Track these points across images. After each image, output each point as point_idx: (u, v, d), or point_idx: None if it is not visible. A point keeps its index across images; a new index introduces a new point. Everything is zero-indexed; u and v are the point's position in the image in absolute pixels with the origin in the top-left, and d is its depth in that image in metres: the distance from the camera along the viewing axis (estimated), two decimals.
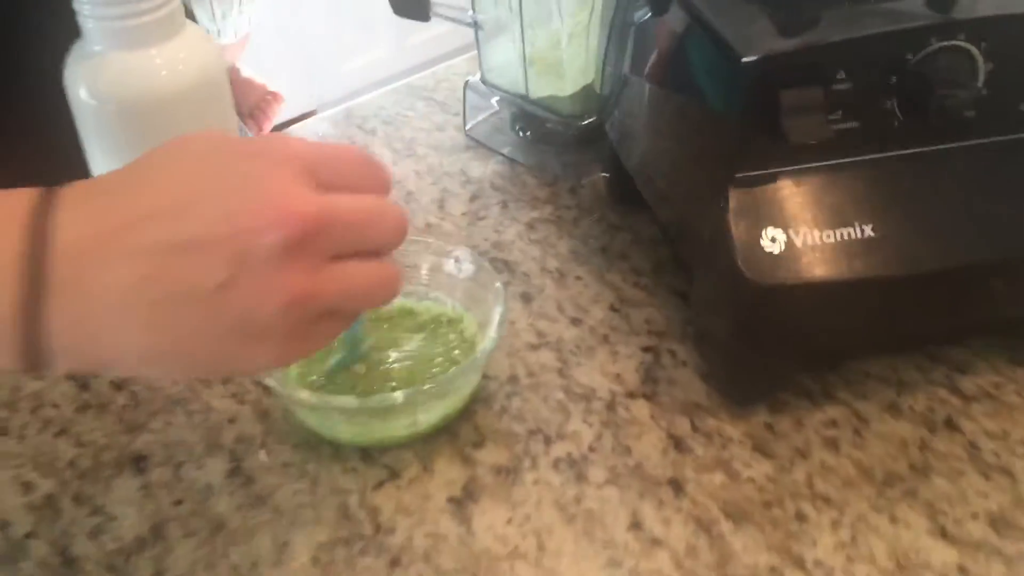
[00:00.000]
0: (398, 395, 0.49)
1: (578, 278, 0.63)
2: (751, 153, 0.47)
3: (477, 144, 0.76)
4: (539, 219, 0.68)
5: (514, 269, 0.64)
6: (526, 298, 0.62)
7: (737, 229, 0.48)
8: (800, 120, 0.45)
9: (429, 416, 0.52)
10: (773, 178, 0.48)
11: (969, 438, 0.51)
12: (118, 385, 0.58)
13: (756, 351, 0.51)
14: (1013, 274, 0.50)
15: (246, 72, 1.17)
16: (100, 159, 0.53)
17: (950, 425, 0.52)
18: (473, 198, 0.71)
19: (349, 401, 0.50)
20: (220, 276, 0.34)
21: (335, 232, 0.36)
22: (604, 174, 0.70)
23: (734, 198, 0.48)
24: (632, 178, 0.63)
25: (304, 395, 0.50)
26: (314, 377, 0.54)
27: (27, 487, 0.52)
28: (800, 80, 0.45)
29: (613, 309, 0.61)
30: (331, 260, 0.37)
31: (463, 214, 0.69)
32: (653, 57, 0.57)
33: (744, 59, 0.45)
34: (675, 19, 0.52)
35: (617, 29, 0.62)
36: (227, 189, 0.35)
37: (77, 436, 0.55)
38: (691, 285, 0.61)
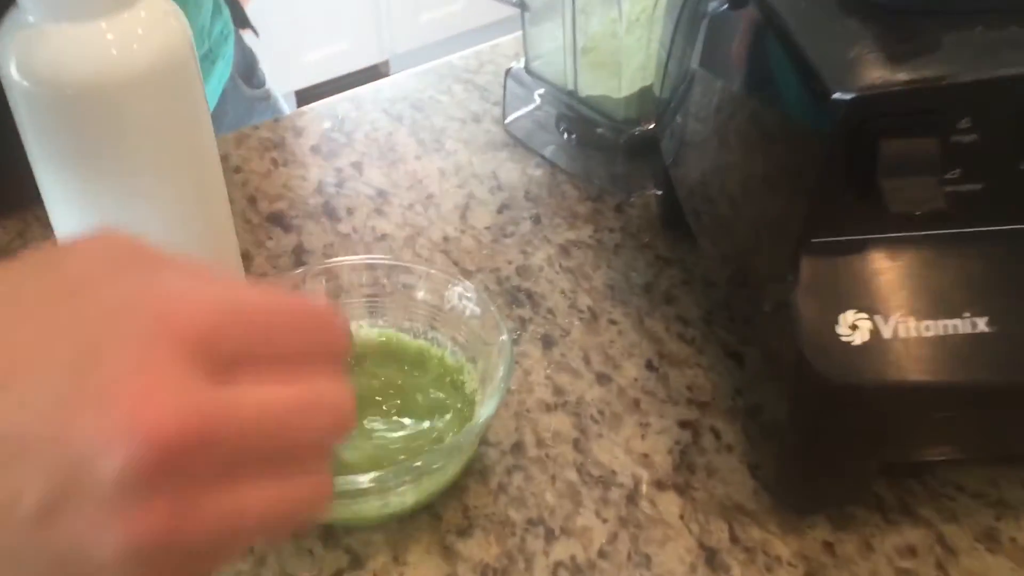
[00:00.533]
0: (365, 478, 0.40)
1: (612, 322, 0.53)
2: (835, 213, 0.36)
3: (516, 143, 0.66)
4: (575, 242, 0.58)
5: (538, 304, 0.54)
6: (547, 342, 0.52)
7: (807, 308, 0.37)
8: (904, 179, 0.34)
9: (405, 498, 0.43)
10: (860, 247, 0.37)
11: None
12: None
13: (823, 453, 0.40)
14: None
15: None
16: (38, 153, 0.44)
17: None
18: (502, 208, 0.61)
19: None
20: (38, 493, 0.23)
21: (225, 446, 0.24)
22: (657, 192, 0.59)
23: (807, 268, 0.37)
24: None
25: None
26: None
27: None
28: (909, 127, 0.34)
29: (650, 367, 0.50)
30: (216, 481, 0.25)
31: (487, 227, 0.59)
32: (723, 64, 0.46)
33: (836, 95, 0.33)
34: (754, 23, 0.41)
35: (686, 20, 0.51)
36: (63, 364, 0.23)
37: None
38: (748, 344, 0.50)
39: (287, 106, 0.85)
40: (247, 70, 0.80)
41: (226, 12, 0.74)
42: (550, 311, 0.54)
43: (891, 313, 0.36)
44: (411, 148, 0.66)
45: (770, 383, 0.41)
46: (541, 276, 0.56)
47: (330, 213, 0.61)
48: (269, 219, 0.60)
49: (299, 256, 0.58)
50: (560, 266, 0.56)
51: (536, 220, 0.60)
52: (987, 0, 0.36)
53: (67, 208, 0.47)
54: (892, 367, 0.36)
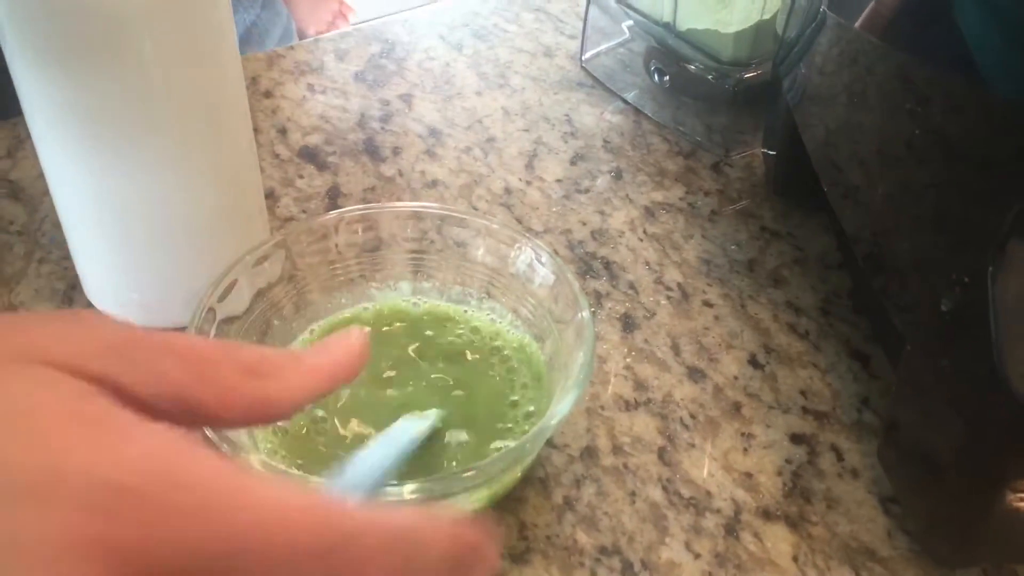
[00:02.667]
0: (406, 489, 0.31)
1: (707, 304, 0.43)
2: None
3: (594, 83, 0.56)
4: (663, 204, 0.48)
5: (617, 276, 0.45)
6: (628, 324, 0.43)
7: (1011, 310, 0.27)
8: None
9: (454, 509, 0.34)
10: None
11: None
12: None
13: (995, 497, 0.31)
14: None
15: None
16: (21, 63, 0.35)
17: None
18: (576, 159, 0.51)
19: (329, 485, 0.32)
20: None
21: None
22: (767, 151, 0.49)
23: (1016, 258, 0.27)
24: (809, 164, 0.43)
25: (279, 465, 0.32)
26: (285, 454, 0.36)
27: None
28: None
29: (754, 363, 0.41)
30: None
31: (558, 180, 0.50)
32: (888, 3, 0.36)
33: None
34: None
35: None
36: None
37: None
38: (880, 345, 0.41)
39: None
40: None
41: None
42: (631, 286, 0.44)
43: None
44: (471, 82, 0.57)
45: (935, 400, 0.32)
46: (621, 243, 0.46)
47: (372, 152, 0.52)
48: (301, 154, 0.51)
49: (333, 199, 0.49)
50: (645, 232, 0.47)
51: (617, 175, 0.50)
52: None
53: (54, 133, 0.38)
54: None
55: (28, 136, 0.51)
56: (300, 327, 0.40)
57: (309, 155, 0.51)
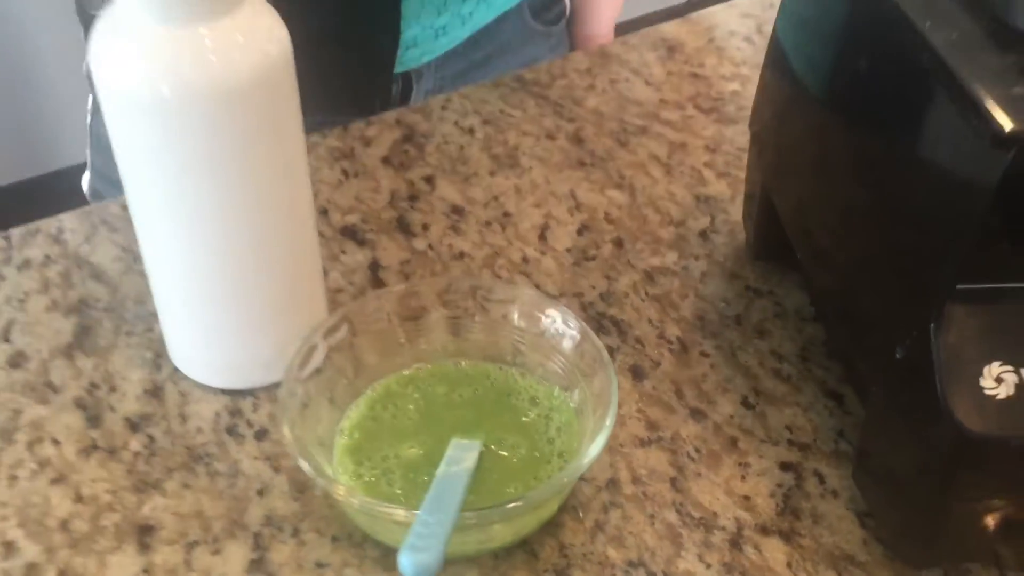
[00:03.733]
0: (468, 516, 0.38)
1: (704, 355, 0.51)
2: (986, 259, 0.35)
3: (593, 162, 0.64)
4: (660, 268, 0.56)
5: (625, 332, 0.52)
6: (637, 373, 0.50)
7: (950, 358, 0.35)
8: None
9: (505, 532, 0.41)
10: (1011, 296, 0.35)
11: None
12: (134, 424, 0.47)
13: (950, 506, 0.39)
14: None
15: None
16: (124, 153, 0.43)
17: None
18: (582, 230, 0.59)
19: (401, 513, 0.39)
20: None
21: None
22: (746, 219, 0.57)
23: (952, 316, 0.35)
24: (783, 230, 0.51)
25: (354, 500, 0.39)
26: (367, 466, 0.43)
27: (8, 548, 0.42)
28: None
29: (746, 404, 0.48)
30: None
31: (568, 250, 0.58)
32: (845, 87, 0.44)
33: (1004, 137, 0.32)
34: (899, 51, 0.40)
35: (790, 38, 0.49)
36: None
37: (77, 488, 0.45)
38: (850, 385, 0.49)
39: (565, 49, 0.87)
40: (541, 5, 0.82)
41: None
42: (638, 340, 0.52)
43: None
44: (485, 163, 0.64)
45: (895, 431, 0.39)
46: (626, 303, 0.54)
47: (404, 228, 0.59)
48: (342, 232, 0.58)
49: (374, 272, 0.56)
50: (646, 293, 0.55)
51: (618, 244, 0.58)
52: None
53: (154, 223, 0.45)
54: None
55: (101, 223, 0.58)
56: (362, 385, 0.47)
57: (349, 233, 0.59)
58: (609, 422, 0.41)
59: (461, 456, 0.42)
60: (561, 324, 0.46)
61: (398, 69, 0.73)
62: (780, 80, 0.50)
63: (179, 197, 0.43)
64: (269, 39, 0.41)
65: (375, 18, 0.70)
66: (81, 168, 0.84)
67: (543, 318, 0.47)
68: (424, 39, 0.73)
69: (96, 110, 0.78)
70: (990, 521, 0.39)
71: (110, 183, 0.78)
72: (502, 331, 0.48)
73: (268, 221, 0.45)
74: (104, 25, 0.40)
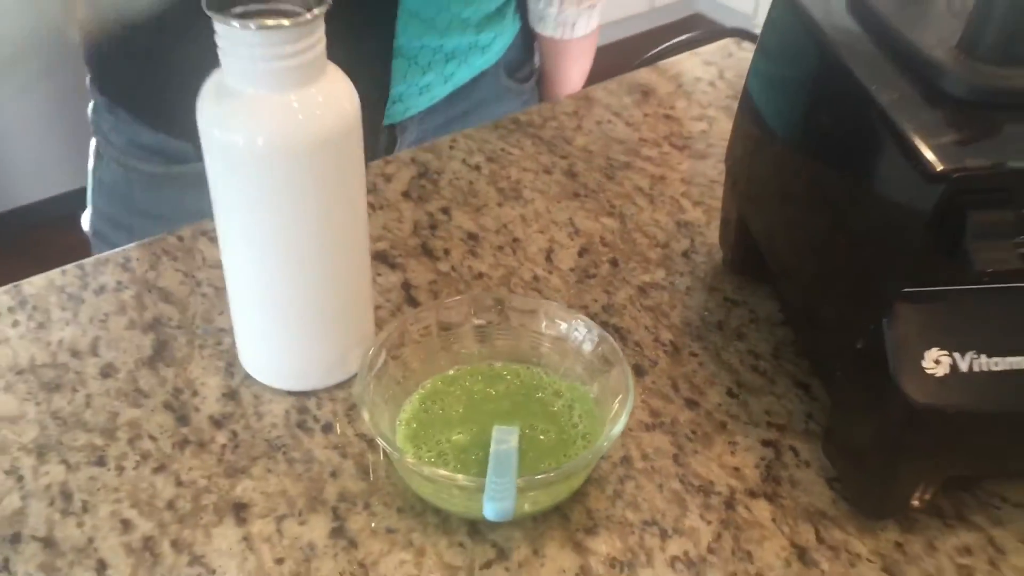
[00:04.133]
0: (520, 482, 0.47)
1: (693, 355, 0.61)
2: (925, 269, 0.45)
3: (587, 193, 0.74)
4: (651, 284, 0.66)
5: (625, 337, 0.62)
6: (639, 371, 0.60)
7: (899, 345, 0.45)
8: (987, 243, 0.42)
9: (545, 498, 0.50)
10: (944, 297, 0.45)
11: None
12: (217, 421, 0.56)
13: (900, 466, 0.49)
14: None
15: None
16: (222, 196, 0.51)
17: None
18: (582, 252, 0.69)
19: (468, 480, 0.48)
20: None
21: None
22: (723, 239, 0.67)
23: (900, 313, 0.45)
24: (755, 248, 0.61)
25: (425, 469, 0.48)
26: (425, 450, 0.52)
27: (125, 525, 0.50)
28: (992, 201, 0.42)
29: (731, 394, 0.58)
30: None
31: (571, 269, 0.67)
32: (811, 133, 0.54)
33: (937, 175, 0.42)
34: (854, 108, 0.50)
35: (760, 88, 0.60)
36: None
37: (176, 474, 0.53)
38: (815, 376, 0.59)
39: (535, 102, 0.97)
40: (514, 65, 0.91)
41: (510, 26, 0.87)
42: (637, 344, 0.61)
43: (967, 351, 0.45)
44: (492, 196, 0.74)
45: (856, 408, 0.49)
46: (625, 313, 0.64)
47: (429, 253, 0.68)
48: (375, 257, 0.67)
49: (407, 291, 0.65)
50: (641, 305, 0.64)
51: (614, 263, 0.68)
52: None
53: (236, 246, 0.53)
54: (968, 395, 0.45)
55: (163, 252, 0.66)
56: (412, 386, 0.55)
57: (381, 257, 0.67)
58: (628, 407, 0.50)
59: (505, 438, 0.51)
60: (584, 329, 0.55)
61: (384, 122, 0.82)
62: (751, 125, 0.61)
63: (264, 230, 0.52)
64: (343, 102, 0.50)
65: (367, 77, 0.79)
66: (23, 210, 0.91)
67: (565, 325, 0.56)
68: (409, 96, 0.82)
69: (99, 155, 0.85)
70: (932, 479, 0.49)
71: (113, 224, 0.85)
72: (524, 337, 0.57)
73: (334, 249, 0.54)
74: (209, 90, 0.49)
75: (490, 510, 0.45)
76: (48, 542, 0.49)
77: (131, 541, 0.50)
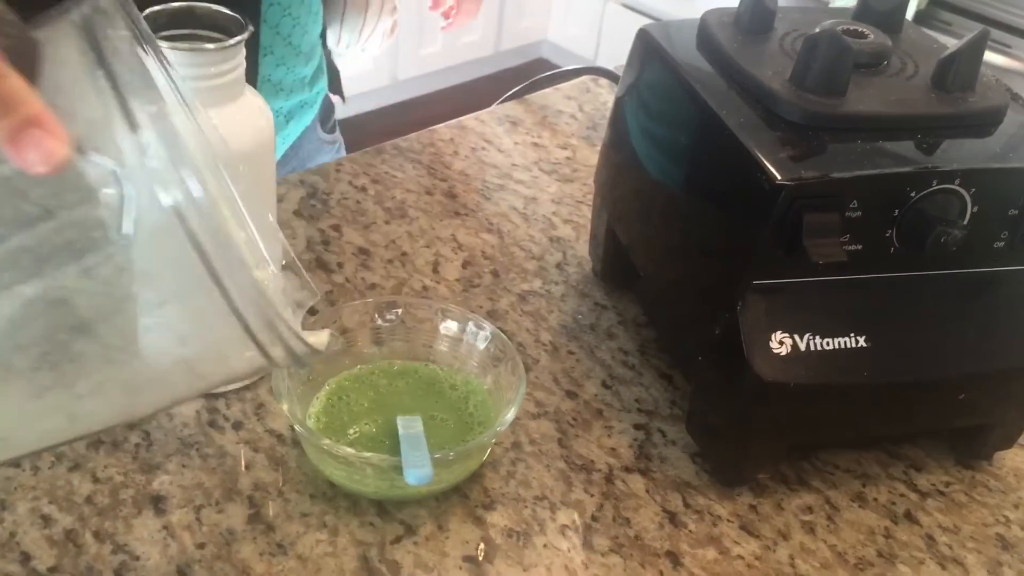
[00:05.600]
0: (433, 457, 0.52)
1: (571, 353, 0.68)
2: (769, 263, 0.53)
3: (468, 211, 0.80)
4: (529, 291, 0.73)
5: (510, 339, 0.68)
6: (524, 367, 0.66)
7: (751, 330, 0.53)
8: (819, 240, 0.51)
9: (447, 476, 0.55)
10: (786, 288, 0.54)
11: (926, 530, 0.57)
12: (129, 423, 0.58)
13: (752, 438, 0.57)
14: (973, 389, 0.57)
15: None
16: None
17: (909, 517, 0.58)
18: (466, 264, 0.75)
19: (382, 459, 0.53)
20: None
21: None
22: (593, 252, 0.75)
23: (751, 302, 0.53)
24: (622, 257, 0.68)
25: (346, 450, 0.53)
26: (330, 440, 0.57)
27: (46, 520, 0.52)
28: (822, 205, 0.51)
29: (605, 386, 0.65)
30: None
31: (457, 280, 0.73)
32: (668, 150, 0.62)
33: (778, 185, 0.50)
34: (704, 129, 0.58)
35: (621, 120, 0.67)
36: None
37: (93, 472, 0.55)
38: (676, 368, 0.66)
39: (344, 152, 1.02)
40: (325, 117, 0.97)
41: (326, 77, 0.92)
42: (521, 344, 0.68)
43: (804, 333, 0.53)
44: (380, 214, 0.79)
45: (714, 389, 0.57)
46: (508, 318, 0.70)
47: (324, 266, 0.73)
48: None
49: None
50: (522, 310, 0.71)
51: (495, 274, 0.74)
52: (864, 122, 0.54)
53: None
54: (807, 370, 0.53)
55: None
56: (320, 384, 0.60)
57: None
58: (521, 392, 0.56)
59: (411, 424, 0.56)
60: (474, 327, 0.61)
61: None
62: (618, 149, 0.68)
63: None
64: (259, 118, 0.55)
65: None
66: None
67: (460, 324, 0.62)
68: None
69: None
70: (776, 449, 0.58)
71: None
72: (420, 337, 0.63)
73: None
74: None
75: (412, 476, 0.50)
76: None
77: (53, 534, 0.52)
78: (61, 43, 0.33)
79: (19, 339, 0.34)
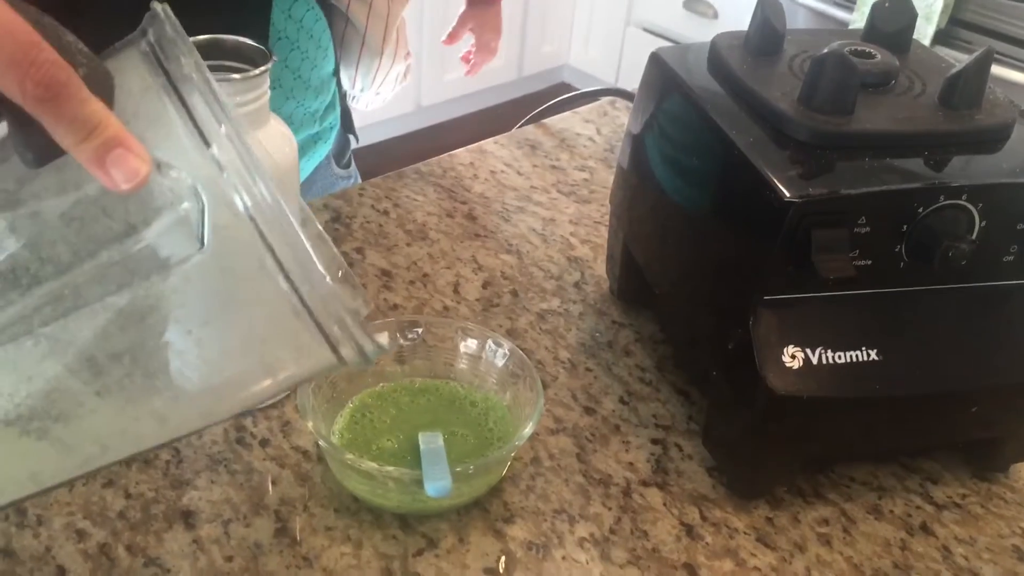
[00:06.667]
0: (453, 470, 0.54)
1: (588, 370, 0.69)
2: (781, 280, 0.54)
3: (487, 233, 0.82)
4: (548, 311, 0.74)
5: (529, 356, 0.69)
6: (542, 385, 0.67)
7: (763, 344, 0.54)
8: (828, 256, 0.52)
9: (467, 490, 0.57)
10: (797, 303, 0.55)
11: (942, 542, 0.58)
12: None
13: (767, 451, 0.58)
14: (985, 402, 0.58)
15: None
16: None
17: (925, 529, 0.59)
18: (486, 284, 0.76)
19: (403, 473, 0.54)
20: None
21: None
22: (610, 272, 0.76)
23: (763, 317, 0.55)
24: (639, 277, 0.70)
25: (369, 464, 0.54)
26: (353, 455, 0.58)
27: (80, 535, 0.54)
28: (831, 222, 0.52)
29: (622, 402, 0.66)
30: None
31: (477, 299, 0.75)
32: (681, 172, 0.64)
33: (788, 202, 0.52)
34: (716, 148, 0.60)
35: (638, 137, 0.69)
36: None
37: (125, 488, 0.57)
38: (692, 384, 0.67)
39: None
40: (340, 153, 0.99)
41: (338, 110, 0.94)
42: (539, 362, 0.69)
43: (816, 347, 0.54)
44: (401, 237, 0.81)
45: (729, 403, 0.58)
46: (527, 336, 0.71)
47: None
48: None
49: None
50: (540, 328, 0.72)
51: (514, 294, 0.75)
52: (871, 140, 0.55)
53: None
54: (819, 383, 0.54)
55: None
56: (343, 402, 0.62)
57: None
58: (537, 414, 0.58)
59: (432, 439, 0.57)
60: (493, 345, 0.62)
61: None
62: (632, 171, 0.70)
63: None
64: (284, 145, 0.57)
65: None
66: None
67: (479, 342, 0.63)
68: None
69: None
70: (792, 462, 0.58)
71: None
72: (441, 355, 0.64)
73: None
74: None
75: (432, 489, 0.51)
76: (7, 552, 0.53)
77: (87, 548, 0.54)
78: (130, 72, 0.35)
79: (115, 348, 0.36)
